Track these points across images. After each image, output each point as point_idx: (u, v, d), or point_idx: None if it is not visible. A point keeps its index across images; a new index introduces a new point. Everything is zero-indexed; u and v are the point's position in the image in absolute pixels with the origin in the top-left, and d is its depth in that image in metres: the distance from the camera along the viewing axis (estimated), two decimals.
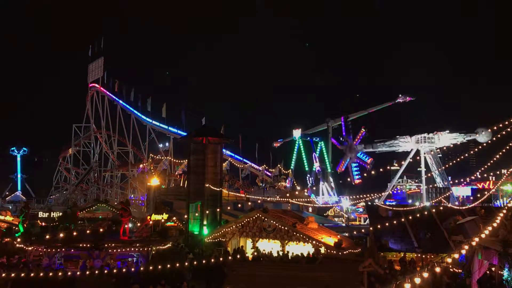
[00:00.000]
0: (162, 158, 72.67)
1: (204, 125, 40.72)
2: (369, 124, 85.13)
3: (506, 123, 16.60)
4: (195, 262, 20.96)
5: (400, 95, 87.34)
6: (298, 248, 28.85)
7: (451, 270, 20.68)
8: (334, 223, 60.10)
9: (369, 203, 38.50)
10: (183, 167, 65.33)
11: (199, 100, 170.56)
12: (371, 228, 29.36)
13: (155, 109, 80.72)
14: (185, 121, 76.02)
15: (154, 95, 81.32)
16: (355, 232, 37.37)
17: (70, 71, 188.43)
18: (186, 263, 20.91)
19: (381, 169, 22.73)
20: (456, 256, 11.27)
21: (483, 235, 12.41)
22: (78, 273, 20.47)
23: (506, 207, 14.13)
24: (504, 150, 19.23)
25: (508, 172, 28.06)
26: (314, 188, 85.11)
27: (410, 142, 73.77)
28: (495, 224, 12.84)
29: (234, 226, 31.64)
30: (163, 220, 32.85)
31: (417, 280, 7.95)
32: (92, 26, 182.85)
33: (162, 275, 19.59)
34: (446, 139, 68.90)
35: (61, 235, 26.25)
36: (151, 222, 31.89)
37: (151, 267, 19.57)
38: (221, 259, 22.19)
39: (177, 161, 71.97)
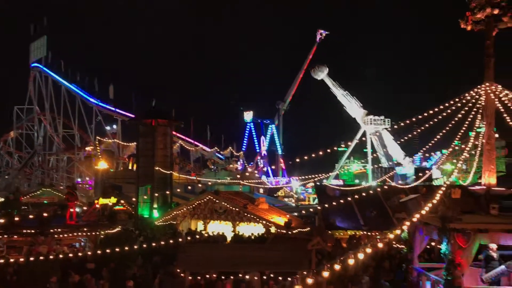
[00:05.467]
0: (110, 141, 71.03)
1: (154, 107, 39.90)
2: None
3: (447, 104, 17.31)
4: (145, 246, 20.80)
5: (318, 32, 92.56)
6: (249, 229, 29.24)
7: (395, 245, 21.66)
8: (285, 203, 61.24)
9: (318, 183, 39.40)
10: (131, 150, 64.16)
11: (149, 81, 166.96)
12: (319, 208, 30.13)
13: (102, 90, 78.71)
14: (135, 103, 74.63)
15: (102, 76, 79.22)
16: (303, 212, 38.22)
17: (11, 50, 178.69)
18: (136, 247, 20.71)
19: (328, 150, 23.25)
20: (398, 232, 11.77)
21: (423, 212, 13.02)
22: (21, 259, 19.77)
23: (445, 185, 14.86)
24: (444, 131, 20.06)
25: (449, 152, 29.39)
26: (265, 169, 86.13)
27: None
28: (434, 201, 13.49)
29: (185, 209, 31.63)
30: (111, 204, 32.26)
31: (361, 256, 8.31)
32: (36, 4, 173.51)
33: (111, 259, 19.32)
34: None
35: (1, 220, 25.22)
36: (98, 206, 31.24)
37: (99, 252, 19.24)
38: (171, 241, 22.14)
39: (125, 144, 70.64)
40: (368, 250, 9.06)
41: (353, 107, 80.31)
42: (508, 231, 13.26)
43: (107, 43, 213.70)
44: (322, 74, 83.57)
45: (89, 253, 20.85)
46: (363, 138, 76.99)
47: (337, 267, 7.76)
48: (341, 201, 25.78)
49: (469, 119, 17.44)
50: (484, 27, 15.53)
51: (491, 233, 13.43)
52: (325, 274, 7.85)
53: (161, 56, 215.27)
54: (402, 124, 20.23)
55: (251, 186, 52.51)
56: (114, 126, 79.07)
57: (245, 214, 29.28)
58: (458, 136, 19.42)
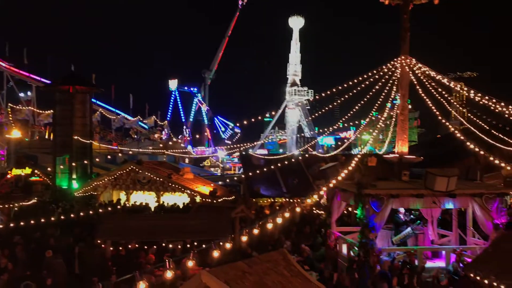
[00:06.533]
0: (24, 108, 66.72)
1: (72, 73, 37.80)
2: None
3: (365, 76, 17.95)
4: (62, 217, 20.04)
5: None
6: (173, 199, 29.08)
7: (315, 211, 22.54)
8: (210, 173, 61.43)
9: (243, 152, 39.77)
10: (45, 117, 60.82)
11: (67, 46, 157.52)
12: (244, 176, 30.53)
13: (15, 54, 73.22)
14: (51, 69, 70.35)
15: (14, 39, 73.56)
16: (228, 181, 38.57)
17: None
18: (53, 218, 19.89)
19: (253, 119, 23.43)
20: (316, 197, 12.23)
21: (339, 178, 13.60)
22: None
23: (361, 153, 15.58)
24: (362, 102, 20.85)
25: (366, 122, 30.67)
26: (189, 138, 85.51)
27: None
28: (350, 168, 14.13)
29: (106, 179, 30.72)
30: (24, 175, 30.59)
31: (279, 220, 8.56)
32: None
33: (25, 232, 18.42)
34: None
35: None
36: (9, 176, 29.52)
37: (12, 224, 18.26)
38: (91, 212, 21.50)
39: (41, 111, 66.74)
40: (286, 215, 9.35)
41: (295, 69, 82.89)
42: (416, 196, 14.23)
43: (21, 4, 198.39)
44: (296, 24, 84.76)
45: (1, 226, 19.73)
46: (288, 108, 78.59)
47: (255, 231, 7.96)
48: (265, 169, 26.24)
49: (386, 91, 18.26)
50: (400, 2, 16.17)
51: (401, 198, 14.34)
52: (244, 238, 7.99)
53: (81, 20, 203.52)
54: (323, 95, 20.76)
55: (176, 156, 51.97)
56: (29, 93, 74.25)
57: (170, 184, 29.00)
58: (376, 107, 20.29)
